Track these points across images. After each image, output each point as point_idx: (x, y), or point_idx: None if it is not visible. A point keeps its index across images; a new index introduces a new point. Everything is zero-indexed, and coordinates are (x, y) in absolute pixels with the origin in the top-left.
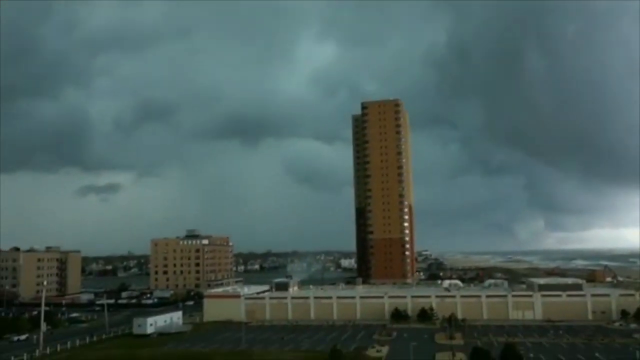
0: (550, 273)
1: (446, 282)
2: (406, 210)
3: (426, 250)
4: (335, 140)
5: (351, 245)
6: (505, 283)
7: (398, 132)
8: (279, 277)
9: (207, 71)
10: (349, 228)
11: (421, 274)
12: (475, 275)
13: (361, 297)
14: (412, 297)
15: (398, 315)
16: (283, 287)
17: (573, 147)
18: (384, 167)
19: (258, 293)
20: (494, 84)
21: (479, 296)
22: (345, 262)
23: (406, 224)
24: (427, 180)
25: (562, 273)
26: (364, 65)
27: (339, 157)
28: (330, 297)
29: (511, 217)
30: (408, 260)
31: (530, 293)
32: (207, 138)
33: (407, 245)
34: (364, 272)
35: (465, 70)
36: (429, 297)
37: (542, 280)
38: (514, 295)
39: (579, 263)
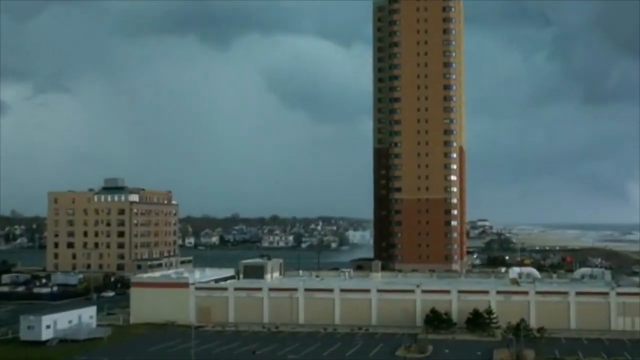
0: None
1: (514, 271)
2: (454, 156)
3: (484, 221)
4: (349, 42)
5: (365, 210)
6: (608, 274)
7: (447, 31)
8: (250, 256)
9: None
10: (364, 183)
11: (475, 256)
12: (559, 261)
13: (379, 292)
14: (460, 292)
15: (436, 320)
16: (256, 272)
17: None
18: (422, 86)
19: (217, 281)
20: None
21: (564, 293)
22: (355, 236)
23: (453, 178)
24: (491, 109)
25: None
26: None
27: (354, 69)
28: (330, 290)
29: (623, 171)
30: (455, 235)
31: None
32: (147, 32)
33: (455, 212)
34: (384, 252)
35: None
36: (485, 293)
37: None
38: (619, 294)
39: None
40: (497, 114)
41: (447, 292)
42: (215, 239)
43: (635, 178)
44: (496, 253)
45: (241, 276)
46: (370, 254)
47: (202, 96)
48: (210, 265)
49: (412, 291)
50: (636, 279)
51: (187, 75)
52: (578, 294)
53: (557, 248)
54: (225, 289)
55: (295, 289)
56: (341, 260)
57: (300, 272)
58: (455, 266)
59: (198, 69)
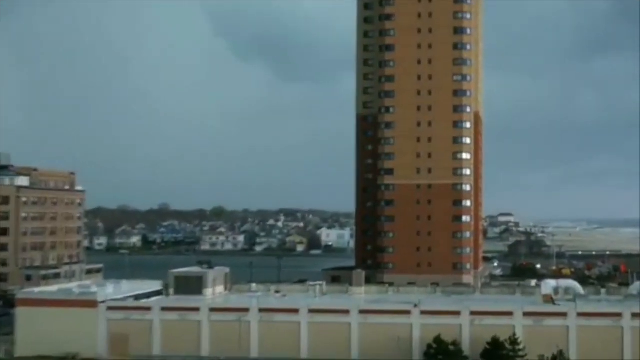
0: None
1: (548, 285)
2: (468, 126)
3: (508, 215)
4: None
5: (344, 200)
6: None
7: None
8: (184, 263)
9: None
10: (342, 163)
11: (495, 264)
12: (610, 271)
13: (363, 313)
14: (473, 314)
15: (441, 352)
16: (192, 285)
17: None
18: (425, 28)
19: (137, 298)
20: None
21: (617, 316)
22: (330, 236)
23: (466, 157)
24: (520, 63)
25: None
26: None
27: (331, 7)
28: (294, 312)
29: None
30: (467, 235)
31: None
32: None
33: (468, 203)
34: (370, 258)
35: None
36: (509, 315)
37: None
38: None
39: None
40: (528, 69)
41: (456, 313)
42: (136, 240)
43: None
44: (524, 260)
45: (171, 291)
46: (351, 261)
47: (124, 45)
48: (129, 276)
49: (407, 312)
50: None
51: (105, 19)
52: (635, 316)
53: (608, 253)
54: (148, 308)
55: (247, 310)
56: (311, 269)
57: (254, 285)
58: (468, 278)
59: (120, 8)
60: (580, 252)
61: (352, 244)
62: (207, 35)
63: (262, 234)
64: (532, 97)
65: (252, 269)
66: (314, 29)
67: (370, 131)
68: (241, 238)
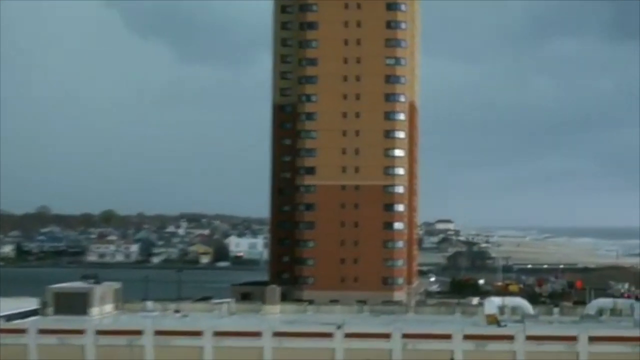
0: None
1: (493, 303)
2: (402, 117)
3: (447, 222)
4: None
5: (257, 204)
6: (638, 308)
7: None
8: (66, 277)
9: None
10: (255, 160)
11: (432, 279)
12: (564, 288)
13: (277, 336)
14: (406, 337)
15: None
16: (75, 304)
17: None
18: (353, 4)
19: (9, 318)
20: None
21: (571, 340)
22: (241, 245)
23: (399, 154)
24: (463, 46)
25: None
26: None
27: None
28: (197, 334)
29: None
30: (400, 245)
31: None
32: None
33: (400, 208)
34: (287, 271)
35: None
36: (447, 338)
37: None
38: None
39: None
40: (472, 54)
41: (386, 336)
42: (8, 249)
43: None
44: (465, 274)
45: (50, 310)
46: (264, 275)
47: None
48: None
49: (329, 335)
50: None
51: None
52: (593, 340)
53: (562, 267)
54: (23, 331)
55: (140, 332)
56: (217, 284)
57: (149, 303)
58: (400, 295)
59: None
60: (529, 266)
61: (266, 254)
62: (95, 5)
63: (160, 242)
64: (476, 86)
65: (148, 283)
66: (224, 3)
67: (288, 123)
68: (135, 247)
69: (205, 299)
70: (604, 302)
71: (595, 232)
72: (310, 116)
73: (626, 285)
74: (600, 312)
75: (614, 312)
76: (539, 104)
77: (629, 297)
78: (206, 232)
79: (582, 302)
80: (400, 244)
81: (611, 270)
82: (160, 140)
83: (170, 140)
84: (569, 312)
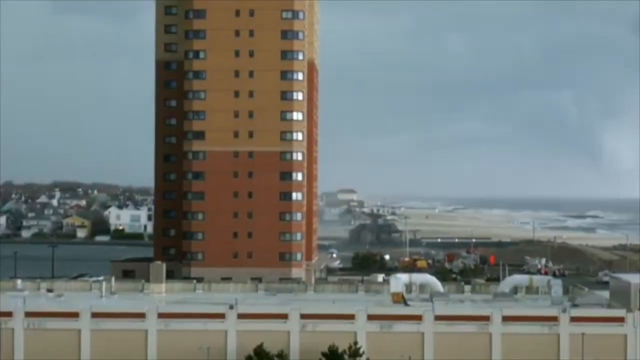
0: None
1: (399, 280)
2: (300, 77)
3: (351, 192)
4: None
5: (140, 172)
6: (558, 285)
7: None
8: None
9: None
10: (136, 123)
11: (334, 254)
12: (476, 263)
13: (163, 317)
14: (305, 317)
15: None
16: None
17: None
18: None
19: None
20: None
21: (484, 319)
22: (122, 217)
23: (297, 117)
24: None
25: None
26: None
27: None
28: (74, 316)
29: (591, 109)
30: (298, 218)
31: (620, 312)
32: None
33: (299, 177)
34: (173, 247)
35: None
36: (349, 318)
37: None
38: (575, 320)
39: None
40: (377, 7)
41: (283, 317)
42: None
43: (613, 120)
44: (369, 249)
45: None
46: (149, 251)
47: None
48: None
49: (220, 316)
50: (602, 293)
51: None
52: (507, 319)
53: (474, 241)
54: None
55: (9, 314)
56: (96, 260)
57: (19, 282)
58: (299, 271)
59: None
60: (439, 240)
61: (150, 228)
62: None
63: (31, 214)
64: (382, 43)
65: (17, 260)
66: None
67: (174, 82)
68: (2, 220)
69: (82, 276)
70: (519, 278)
71: (508, 203)
72: (198, 75)
73: (543, 261)
74: (515, 289)
75: (529, 289)
76: (454, 64)
77: (545, 273)
78: (83, 202)
79: (496, 279)
80: (298, 216)
81: (527, 244)
82: (30, 99)
83: (42, 100)
84: (482, 290)
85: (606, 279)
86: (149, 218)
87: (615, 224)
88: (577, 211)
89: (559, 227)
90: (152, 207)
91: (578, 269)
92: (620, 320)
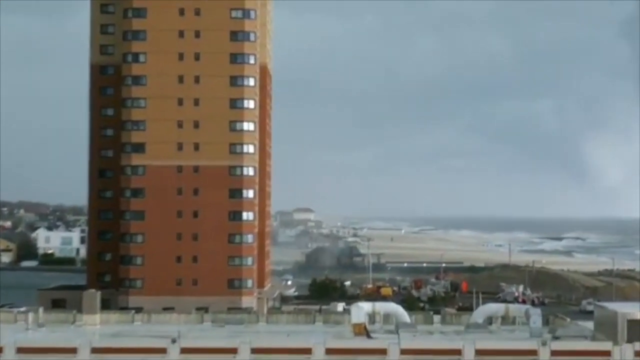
0: None
1: (361, 309)
2: (251, 83)
3: (307, 211)
4: None
5: (72, 189)
6: (537, 315)
7: None
8: None
9: None
10: (69, 134)
11: (289, 282)
12: (447, 290)
13: (97, 352)
14: (256, 352)
15: None
16: None
17: None
18: None
19: None
20: None
21: (455, 353)
22: (52, 239)
23: (248, 128)
24: None
25: None
26: None
27: None
28: None
29: (571, 120)
30: (249, 240)
31: (606, 345)
32: None
33: (250, 194)
34: (109, 273)
35: None
36: (306, 353)
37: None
38: (557, 354)
39: None
40: (338, 6)
41: (233, 351)
42: None
43: (598, 132)
44: (329, 274)
45: None
46: (82, 278)
47: None
48: None
49: (162, 351)
50: (586, 324)
51: None
52: (480, 353)
53: (444, 265)
54: None
55: None
56: (22, 288)
57: None
58: (249, 300)
59: None
60: (405, 264)
61: (83, 251)
62: None
63: None
64: (344, 46)
65: None
66: None
67: (110, 88)
68: None
69: (5, 306)
70: (494, 308)
71: (480, 224)
72: (137, 80)
73: (520, 288)
74: (489, 320)
75: (505, 320)
76: (421, 70)
77: (523, 301)
78: (7, 223)
79: (469, 308)
80: (249, 238)
81: (502, 269)
82: None
83: None
84: (453, 321)
85: (590, 307)
86: (82, 240)
87: (597, 247)
88: (555, 232)
89: (534, 250)
90: (86, 228)
91: (559, 296)
92: (606, 354)
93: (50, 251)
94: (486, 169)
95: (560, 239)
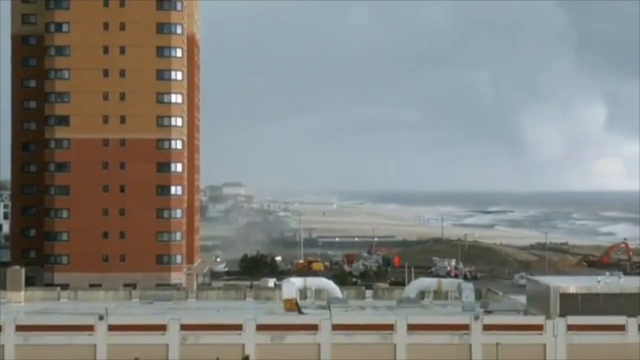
0: (589, 261)
1: (292, 285)
2: (178, 54)
3: (237, 186)
4: None
5: None
6: (469, 289)
7: None
8: None
9: None
10: None
11: (218, 258)
12: (379, 265)
13: (21, 330)
14: (185, 329)
15: None
16: None
17: None
18: None
19: None
20: None
21: (387, 328)
22: None
23: (176, 100)
24: None
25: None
26: None
27: None
28: None
29: (502, 88)
30: (178, 215)
31: (538, 319)
32: None
33: (178, 168)
34: (33, 249)
35: None
36: (237, 329)
37: (570, 282)
38: (488, 328)
39: None
40: None
41: (161, 328)
42: None
43: (534, 104)
44: (259, 249)
45: None
46: (5, 254)
47: None
48: None
49: (89, 328)
50: (519, 298)
51: None
52: (412, 328)
53: (376, 239)
54: None
55: None
56: None
57: None
58: (178, 276)
59: None
60: (337, 239)
61: (7, 227)
62: None
63: None
64: (276, 14)
65: None
66: None
67: (32, 59)
68: None
69: None
70: (427, 282)
71: (405, 197)
72: (60, 50)
73: (452, 262)
74: (422, 294)
75: (438, 294)
76: (358, 40)
77: (456, 276)
78: None
79: (401, 283)
80: (178, 212)
81: (435, 243)
82: None
83: None
84: (385, 295)
85: (523, 282)
86: (5, 216)
87: (520, 221)
88: (481, 206)
89: (458, 224)
90: (9, 203)
91: (492, 270)
92: (539, 328)
93: None
94: (420, 141)
95: (487, 212)
